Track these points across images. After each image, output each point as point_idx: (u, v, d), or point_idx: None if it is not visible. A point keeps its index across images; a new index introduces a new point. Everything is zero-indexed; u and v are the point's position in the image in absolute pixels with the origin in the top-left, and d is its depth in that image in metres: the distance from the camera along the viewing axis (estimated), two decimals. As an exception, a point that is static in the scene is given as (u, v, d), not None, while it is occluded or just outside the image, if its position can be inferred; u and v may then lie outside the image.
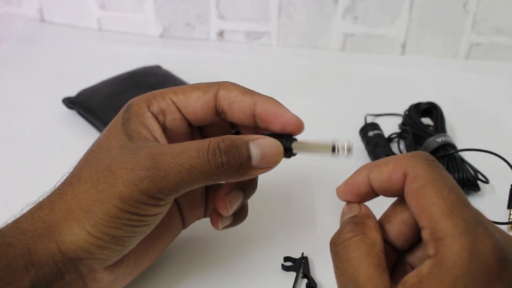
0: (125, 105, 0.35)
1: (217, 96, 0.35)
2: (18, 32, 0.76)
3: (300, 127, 0.34)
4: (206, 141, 0.31)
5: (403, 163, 0.29)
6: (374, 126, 0.55)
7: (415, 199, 0.27)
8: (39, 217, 0.32)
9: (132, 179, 0.30)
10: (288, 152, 0.34)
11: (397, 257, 0.31)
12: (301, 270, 0.41)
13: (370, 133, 0.54)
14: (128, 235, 0.32)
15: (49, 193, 0.34)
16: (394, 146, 0.55)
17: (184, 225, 0.39)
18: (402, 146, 0.55)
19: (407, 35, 0.72)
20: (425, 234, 0.27)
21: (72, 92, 0.58)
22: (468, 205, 0.27)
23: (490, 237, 0.25)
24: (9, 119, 0.59)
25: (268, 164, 0.33)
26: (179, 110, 0.35)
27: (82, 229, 0.31)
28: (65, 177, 0.34)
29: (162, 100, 0.35)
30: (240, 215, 0.39)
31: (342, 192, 0.32)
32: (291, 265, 0.41)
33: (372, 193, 0.31)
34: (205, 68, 0.69)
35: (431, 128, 0.55)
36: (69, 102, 0.58)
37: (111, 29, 0.77)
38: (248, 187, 0.37)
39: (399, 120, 0.58)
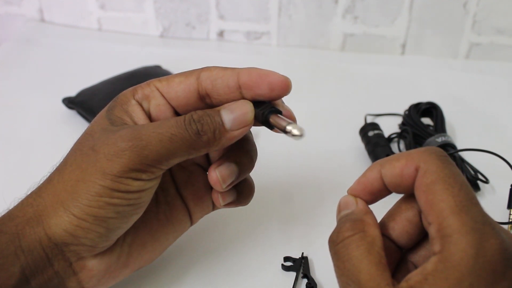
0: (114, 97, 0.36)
1: (199, 78, 0.35)
2: (18, 32, 0.76)
3: (287, 85, 0.35)
4: (182, 115, 0.33)
5: (416, 158, 0.28)
6: (374, 126, 0.55)
7: (424, 194, 0.27)
8: (28, 203, 0.32)
9: (114, 151, 0.31)
10: (267, 124, 0.34)
11: (400, 255, 0.31)
12: (301, 270, 0.41)
13: (370, 133, 0.54)
14: (111, 216, 0.31)
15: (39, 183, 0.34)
16: (394, 146, 0.55)
17: (192, 221, 0.39)
18: (402, 146, 0.55)
19: (407, 35, 0.72)
20: (432, 230, 0.27)
21: (72, 92, 0.58)
22: (477, 204, 0.27)
23: (497, 236, 0.25)
24: (9, 119, 0.59)
25: (242, 124, 0.33)
26: (163, 96, 0.35)
27: (66, 211, 0.31)
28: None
29: (147, 87, 0.35)
30: (244, 192, 0.38)
31: (355, 191, 0.31)
32: (291, 265, 0.41)
33: (385, 190, 0.31)
34: (205, 68, 0.69)
35: (431, 128, 0.55)
36: (69, 102, 0.58)
37: (111, 29, 0.77)
38: (243, 160, 0.36)
39: (399, 120, 0.58)
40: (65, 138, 0.57)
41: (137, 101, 0.35)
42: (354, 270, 0.27)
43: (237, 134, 0.33)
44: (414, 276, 0.26)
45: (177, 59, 0.69)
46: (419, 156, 0.28)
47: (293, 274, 0.41)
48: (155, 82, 0.35)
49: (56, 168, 0.34)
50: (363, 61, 0.72)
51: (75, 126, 0.57)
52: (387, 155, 0.51)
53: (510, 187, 0.47)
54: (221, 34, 0.76)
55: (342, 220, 0.30)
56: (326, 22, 0.72)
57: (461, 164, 0.50)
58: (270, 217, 0.46)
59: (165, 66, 0.64)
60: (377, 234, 0.29)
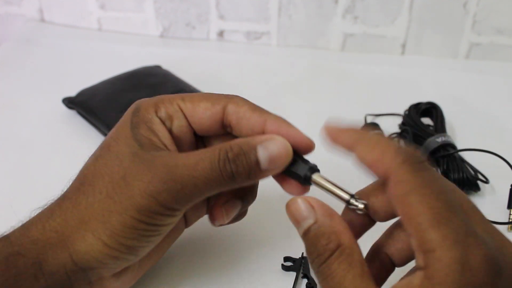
0: (132, 108, 0.35)
1: (226, 109, 0.34)
2: (18, 32, 0.76)
3: (311, 148, 0.34)
4: (216, 151, 0.31)
5: (388, 161, 0.27)
6: (374, 126, 0.55)
7: (400, 206, 0.27)
8: (51, 227, 0.32)
9: (150, 191, 0.30)
10: (306, 182, 0.33)
11: (371, 224, 0.31)
12: (301, 270, 0.41)
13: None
14: (142, 245, 0.32)
15: (58, 199, 0.33)
16: (394, 146, 0.55)
17: (187, 225, 0.39)
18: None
19: (407, 35, 0.72)
20: (413, 242, 0.26)
21: (72, 92, 0.58)
22: (457, 212, 0.26)
23: (481, 247, 0.25)
24: (9, 119, 0.59)
25: (277, 166, 0.32)
26: (186, 117, 0.35)
27: (97, 239, 0.31)
28: (72, 182, 0.34)
29: (170, 106, 0.34)
30: (240, 214, 0.39)
31: (330, 136, 0.31)
32: (291, 265, 0.41)
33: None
34: (205, 68, 0.69)
35: (431, 128, 0.55)
36: (69, 102, 0.58)
37: (111, 29, 0.77)
38: (247, 196, 0.37)
39: (399, 120, 0.58)
40: (65, 138, 0.57)
41: (160, 119, 0.34)
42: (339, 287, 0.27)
43: (271, 173, 0.33)
44: None
45: (177, 59, 0.69)
46: (391, 161, 0.27)
47: (293, 274, 0.41)
48: (178, 101, 0.35)
49: (81, 190, 0.32)
50: (363, 61, 0.72)
51: (75, 126, 0.57)
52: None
53: (510, 187, 0.47)
54: (221, 34, 0.76)
55: (312, 237, 0.29)
56: (326, 22, 0.72)
57: (461, 164, 0.50)
58: (270, 217, 0.46)
59: (165, 66, 0.64)
60: (352, 240, 0.28)
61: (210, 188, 0.32)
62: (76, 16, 0.77)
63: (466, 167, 0.50)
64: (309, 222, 0.29)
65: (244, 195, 0.37)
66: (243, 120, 0.34)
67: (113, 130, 0.34)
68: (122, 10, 0.75)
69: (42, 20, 0.78)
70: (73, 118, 0.58)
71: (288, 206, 0.30)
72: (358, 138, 0.30)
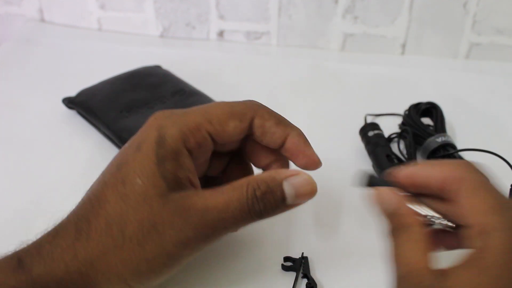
0: (155, 136, 0.33)
1: (252, 123, 0.36)
2: (18, 32, 0.76)
3: (318, 166, 0.37)
4: (244, 189, 0.32)
5: (460, 167, 0.32)
6: (374, 126, 0.55)
7: (469, 198, 0.30)
8: (75, 267, 0.32)
9: (181, 239, 0.31)
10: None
11: None
12: (301, 270, 0.41)
13: (370, 133, 0.54)
14: (162, 279, 0.34)
15: (80, 235, 0.32)
16: (394, 146, 0.55)
17: None
18: (402, 146, 0.55)
19: (407, 35, 0.72)
20: (473, 231, 0.29)
21: (72, 92, 0.58)
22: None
23: None
24: (9, 119, 0.59)
25: (302, 201, 0.34)
26: (213, 140, 0.35)
27: (123, 281, 0.32)
28: (93, 219, 0.32)
29: (198, 134, 0.34)
30: None
31: (402, 179, 0.33)
32: (291, 265, 0.41)
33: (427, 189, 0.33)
34: (205, 68, 0.69)
35: (431, 128, 0.55)
36: (69, 102, 0.58)
37: (111, 29, 0.77)
38: None
39: (399, 120, 0.58)
40: (65, 138, 0.57)
41: (189, 151, 0.34)
42: (396, 256, 0.30)
43: (294, 207, 0.34)
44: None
45: (177, 59, 0.69)
46: (464, 168, 0.32)
47: (293, 274, 0.41)
48: (206, 126, 0.34)
49: (109, 234, 0.31)
50: (363, 61, 0.72)
51: (75, 126, 0.57)
52: (387, 155, 0.51)
53: (510, 187, 0.47)
54: (221, 34, 0.76)
55: (386, 218, 0.32)
56: (326, 22, 0.72)
57: (461, 164, 0.50)
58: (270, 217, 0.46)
59: (165, 66, 0.64)
60: (413, 222, 0.31)
61: (237, 226, 0.33)
62: (76, 16, 0.77)
63: (466, 167, 0.50)
64: (385, 206, 0.32)
65: None
66: (268, 134, 0.36)
67: (136, 162, 0.33)
68: (122, 10, 0.75)
69: (42, 20, 0.78)
70: (73, 118, 0.58)
71: (372, 197, 0.33)
72: (414, 172, 0.33)
